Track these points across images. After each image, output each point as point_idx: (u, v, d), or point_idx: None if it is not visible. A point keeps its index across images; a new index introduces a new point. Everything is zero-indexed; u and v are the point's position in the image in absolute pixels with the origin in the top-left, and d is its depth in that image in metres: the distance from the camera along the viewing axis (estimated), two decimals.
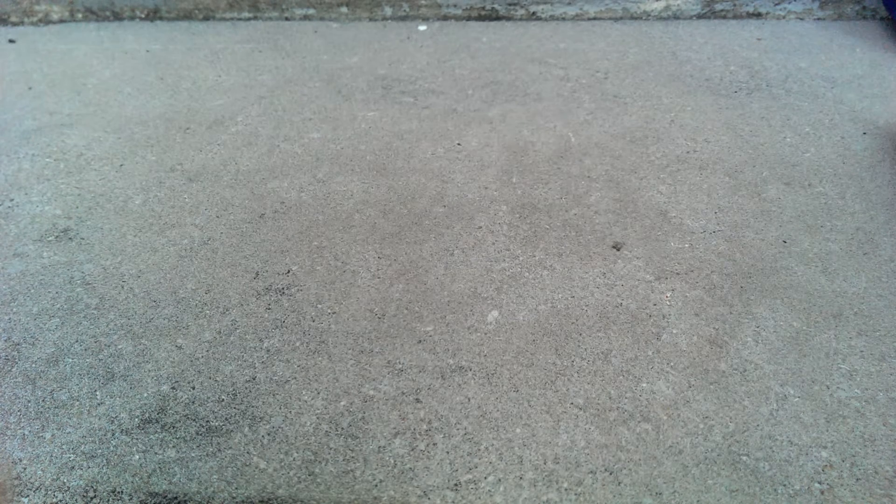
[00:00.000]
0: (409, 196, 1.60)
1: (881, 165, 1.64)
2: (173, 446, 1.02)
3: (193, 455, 1.00)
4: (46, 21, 2.84)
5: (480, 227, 1.48)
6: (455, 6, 2.73)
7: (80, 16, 2.85)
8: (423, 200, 1.58)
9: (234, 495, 0.95)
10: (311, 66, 2.36)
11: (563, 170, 1.68)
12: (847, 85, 2.04)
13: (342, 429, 1.03)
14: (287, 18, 2.82)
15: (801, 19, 2.58)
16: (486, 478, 0.95)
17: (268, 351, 1.18)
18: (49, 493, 0.96)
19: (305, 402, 1.08)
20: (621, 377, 1.10)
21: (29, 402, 1.10)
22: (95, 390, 1.12)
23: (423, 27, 2.70)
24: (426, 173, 1.68)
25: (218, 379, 1.13)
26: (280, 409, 1.07)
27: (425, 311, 1.25)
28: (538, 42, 2.50)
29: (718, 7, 2.62)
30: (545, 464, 0.97)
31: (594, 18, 2.70)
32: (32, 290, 1.34)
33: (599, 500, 0.92)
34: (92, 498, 0.95)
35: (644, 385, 1.08)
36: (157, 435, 1.03)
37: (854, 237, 1.40)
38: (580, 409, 1.05)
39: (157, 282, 1.35)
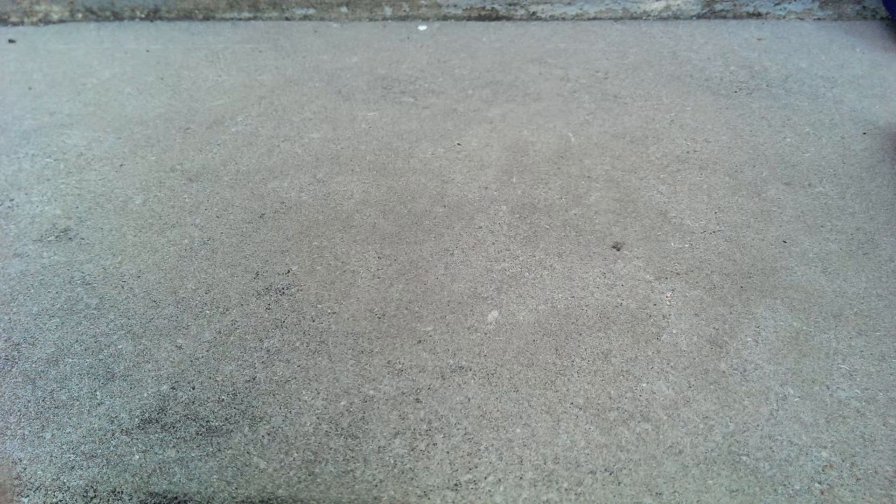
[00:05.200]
0: (409, 196, 1.60)
1: (881, 165, 1.64)
2: (173, 446, 1.02)
3: (193, 455, 1.00)
4: (46, 21, 2.84)
5: (480, 227, 1.48)
6: (455, 6, 2.72)
7: (80, 16, 2.85)
8: (423, 200, 1.58)
9: (234, 495, 0.95)
10: (311, 66, 2.36)
11: (563, 170, 1.68)
12: (847, 85, 2.04)
13: (342, 429, 1.03)
14: (287, 18, 2.82)
15: (801, 19, 2.58)
16: (486, 478, 0.95)
17: (268, 351, 1.18)
18: (49, 493, 0.96)
19: (305, 402, 1.08)
20: (621, 377, 1.10)
21: (29, 402, 1.10)
22: (95, 390, 1.12)
23: (423, 27, 2.70)
24: (426, 173, 1.68)
25: (218, 379, 1.13)
26: (280, 409, 1.07)
27: (425, 311, 1.25)
28: (538, 42, 2.50)
29: (718, 7, 2.62)
30: (545, 464, 0.97)
31: (594, 18, 2.70)
32: (32, 290, 1.34)
33: (599, 500, 0.92)
34: (92, 498, 0.95)
35: (644, 385, 1.08)
36: (157, 435, 1.04)
37: (854, 237, 1.40)
38: (580, 409, 1.05)
39: (157, 282, 1.35)
